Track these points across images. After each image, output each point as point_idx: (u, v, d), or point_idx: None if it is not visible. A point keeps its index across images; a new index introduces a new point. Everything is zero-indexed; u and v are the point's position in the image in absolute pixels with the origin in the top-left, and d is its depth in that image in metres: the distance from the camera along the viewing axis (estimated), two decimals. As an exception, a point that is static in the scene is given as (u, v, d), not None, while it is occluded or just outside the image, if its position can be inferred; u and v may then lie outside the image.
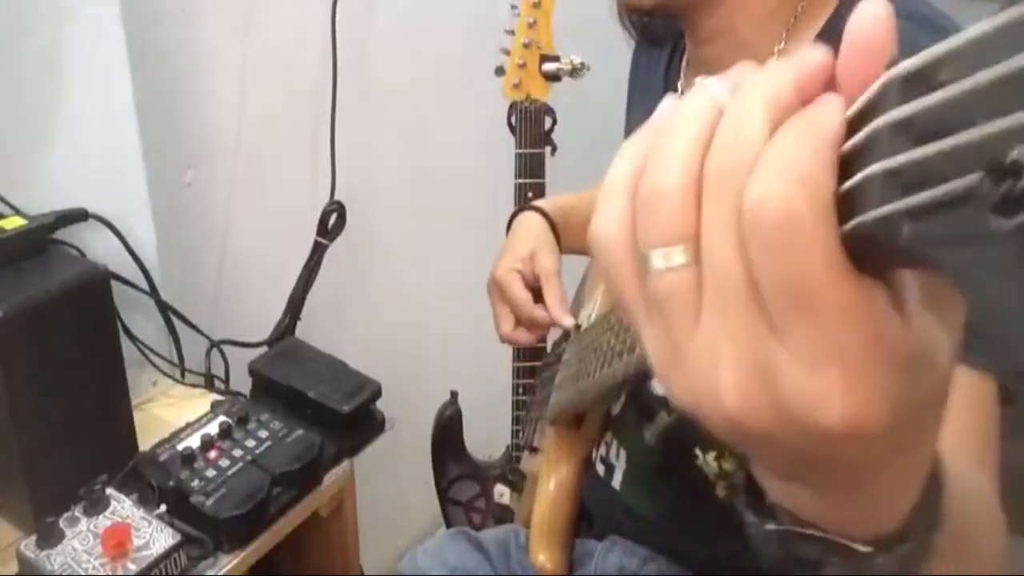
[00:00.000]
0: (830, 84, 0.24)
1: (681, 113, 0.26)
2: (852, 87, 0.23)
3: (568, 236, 0.96)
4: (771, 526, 0.31)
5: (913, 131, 0.21)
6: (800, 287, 0.22)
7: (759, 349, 0.24)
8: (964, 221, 0.19)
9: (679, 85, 0.83)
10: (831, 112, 0.23)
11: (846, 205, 0.23)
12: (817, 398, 0.23)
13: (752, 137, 0.24)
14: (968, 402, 0.51)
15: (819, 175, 0.22)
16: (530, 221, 0.96)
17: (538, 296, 0.91)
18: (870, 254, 0.23)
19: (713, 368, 0.25)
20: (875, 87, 0.22)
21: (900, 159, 0.21)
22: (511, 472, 1.17)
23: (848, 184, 0.23)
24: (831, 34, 0.68)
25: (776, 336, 0.23)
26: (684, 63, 0.83)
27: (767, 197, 0.22)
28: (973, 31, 0.20)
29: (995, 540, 0.44)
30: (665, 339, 0.26)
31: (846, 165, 0.23)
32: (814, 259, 0.22)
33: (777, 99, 0.24)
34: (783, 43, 0.70)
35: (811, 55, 0.24)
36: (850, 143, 0.23)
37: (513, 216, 1.00)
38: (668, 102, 0.29)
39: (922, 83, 0.21)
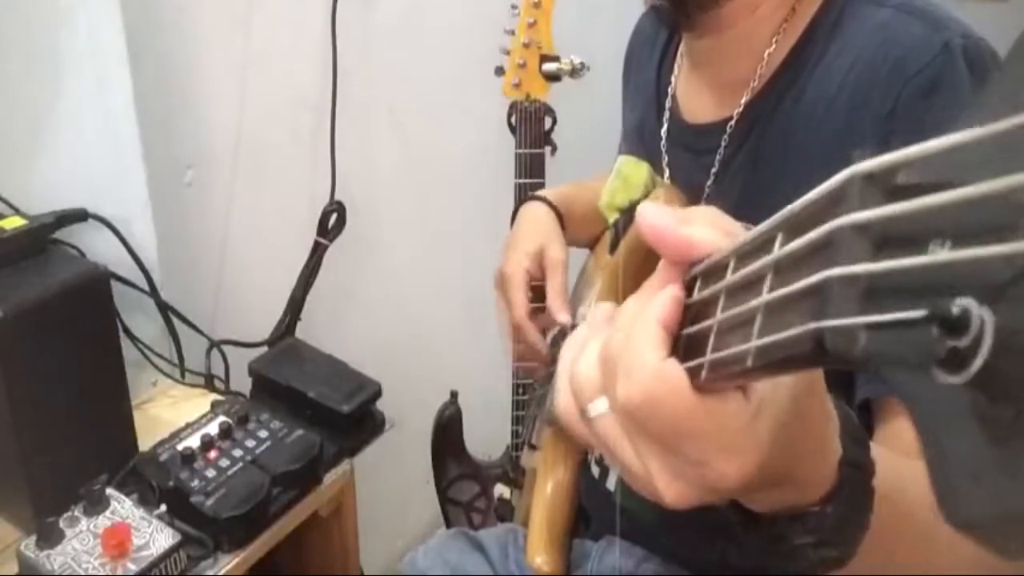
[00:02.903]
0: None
1: (590, 327, 0.40)
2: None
3: (571, 227, 0.96)
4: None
5: (871, 235, 0.22)
6: (667, 430, 0.33)
7: (670, 463, 0.34)
8: (911, 352, 0.20)
9: (672, 78, 0.83)
10: (659, 300, 0.34)
11: (801, 301, 0.24)
12: (718, 477, 0.33)
13: (619, 334, 0.35)
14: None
15: (651, 358, 0.33)
16: (537, 212, 0.95)
17: (542, 292, 0.91)
18: (725, 380, 0.30)
19: (651, 480, 0.35)
20: (835, 181, 0.24)
21: (857, 268, 0.22)
22: (511, 469, 1.17)
23: (805, 283, 0.24)
24: (819, 30, 0.68)
25: (674, 453, 0.34)
26: (678, 58, 0.83)
27: (628, 392, 0.33)
28: (933, 144, 0.20)
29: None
30: (619, 465, 0.37)
31: (800, 260, 0.25)
32: (667, 415, 0.33)
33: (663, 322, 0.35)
34: (779, 36, 0.70)
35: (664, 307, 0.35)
36: (808, 237, 0.24)
37: (517, 207, 0.99)
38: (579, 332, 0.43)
39: (881, 184, 0.22)
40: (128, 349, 0.98)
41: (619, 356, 0.34)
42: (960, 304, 0.18)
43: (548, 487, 0.82)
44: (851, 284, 0.22)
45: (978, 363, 0.18)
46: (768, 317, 0.27)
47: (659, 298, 0.34)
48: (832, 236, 0.23)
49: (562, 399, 0.40)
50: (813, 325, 0.23)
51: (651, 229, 0.35)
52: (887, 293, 0.21)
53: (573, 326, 0.86)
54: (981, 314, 0.18)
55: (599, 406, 0.37)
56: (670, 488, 0.34)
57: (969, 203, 0.19)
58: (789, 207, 0.27)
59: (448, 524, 1.28)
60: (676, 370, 0.32)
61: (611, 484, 0.86)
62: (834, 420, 0.39)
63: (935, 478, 0.20)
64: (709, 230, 0.34)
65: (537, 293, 0.92)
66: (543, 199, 0.96)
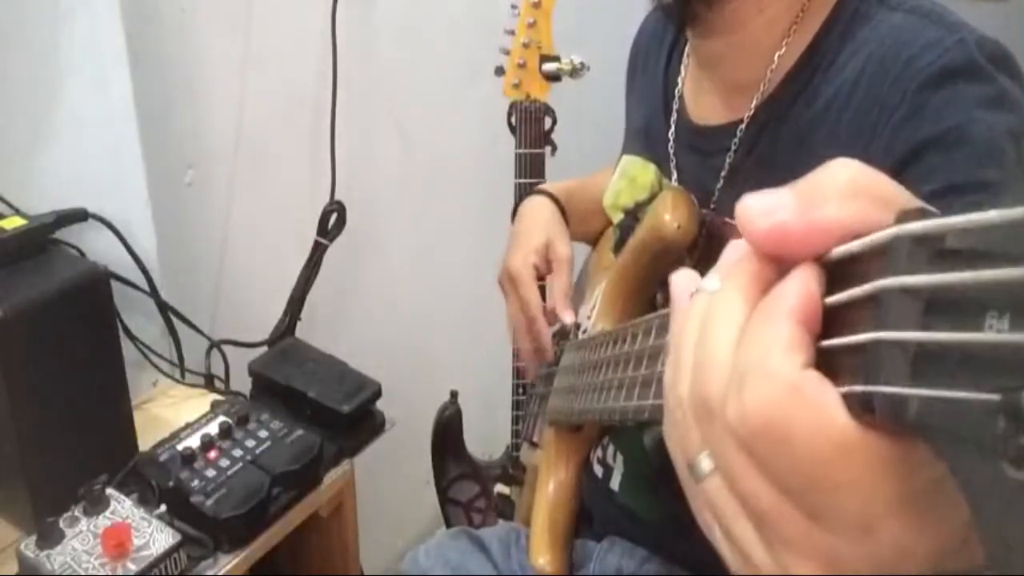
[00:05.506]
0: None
1: (681, 330, 0.29)
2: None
3: (574, 222, 0.96)
4: None
5: (921, 298, 0.21)
6: (816, 473, 0.22)
7: (816, 545, 0.23)
8: (973, 433, 0.19)
9: (679, 80, 0.83)
10: (790, 287, 0.25)
11: (848, 357, 0.23)
12: (898, 554, 0.23)
13: (719, 357, 0.25)
14: None
15: (782, 365, 0.23)
16: (540, 207, 0.95)
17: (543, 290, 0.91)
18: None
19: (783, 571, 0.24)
20: (882, 236, 0.23)
21: (910, 336, 0.21)
22: (512, 465, 1.17)
23: (851, 339, 0.23)
24: (831, 33, 0.68)
25: (822, 524, 0.23)
26: (685, 59, 0.83)
27: (744, 413, 0.23)
28: (989, 215, 0.19)
29: None
30: (732, 545, 0.27)
31: (844, 309, 0.23)
32: (812, 447, 0.22)
33: (740, 312, 0.26)
34: (789, 38, 0.70)
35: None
36: (855, 291, 0.23)
37: (517, 202, 0.99)
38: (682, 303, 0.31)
39: (929, 245, 0.21)
40: (128, 349, 0.98)
41: (722, 375, 0.25)
42: None
43: (550, 487, 0.83)
44: (901, 349, 0.21)
45: None
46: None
47: (788, 284, 0.25)
48: (880, 295, 0.22)
49: (671, 440, 0.30)
50: (860, 388, 0.22)
51: (769, 233, 0.25)
52: (937, 361, 0.20)
53: (577, 325, 0.87)
54: None
55: (704, 463, 0.27)
56: None
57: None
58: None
59: (448, 524, 1.28)
60: (822, 385, 0.23)
61: (614, 484, 0.86)
62: None
63: (986, 541, 0.19)
64: (853, 201, 0.24)
65: (544, 287, 0.92)
66: (546, 193, 0.96)
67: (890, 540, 0.23)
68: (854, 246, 0.24)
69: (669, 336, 0.31)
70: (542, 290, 0.92)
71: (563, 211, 0.94)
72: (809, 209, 0.25)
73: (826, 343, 0.24)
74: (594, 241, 1.02)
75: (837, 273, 0.25)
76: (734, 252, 0.29)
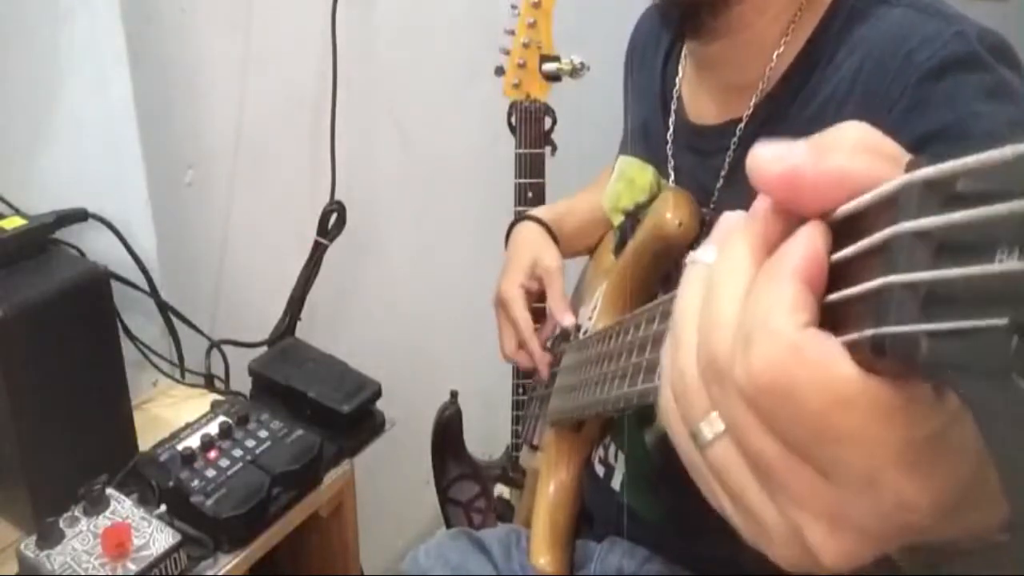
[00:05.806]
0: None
1: (681, 297, 0.29)
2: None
3: (565, 241, 0.97)
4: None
5: (932, 242, 0.21)
6: (819, 425, 0.23)
7: (823, 500, 0.24)
8: (987, 359, 0.19)
9: (677, 79, 0.83)
10: (794, 247, 0.25)
11: (859, 306, 0.23)
12: (898, 504, 0.23)
13: (725, 316, 0.26)
14: None
15: (784, 325, 0.23)
16: (527, 230, 0.97)
17: (543, 300, 0.92)
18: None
19: (797, 536, 0.25)
20: (891, 186, 0.23)
21: (921, 275, 0.21)
22: (512, 469, 1.17)
23: (863, 288, 0.23)
24: (829, 30, 0.68)
25: (829, 480, 0.24)
26: (682, 59, 0.83)
27: (750, 373, 0.24)
28: (1002, 152, 0.20)
29: None
30: (743, 511, 0.27)
31: (854, 261, 0.24)
32: (815, 401, 0.23)
33: (746, 272, 0.26)
34: (788, 36, 0.70)
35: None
36: (865, 242, 0.23)
37: (510, 229, 1.00)
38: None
39: (940, 190, 0.21)
40: (128, 349, 0.98)
41: (733, 334, 0.25)
42: None
43: (551, 488, 0.83)
44: (912, 290, 0.21)
45: None
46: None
47: (792, 244, 0.25)
48: (890, 242, 0.22)
49: (669, 415, 0.30)
50: (870, 333, 0.22)
51: (782, 177, 0.25)
52: (948, 299, 0.20)
53: (578, 327, 0.87)
54: None
55: (712, 426, 0.27)
56: (828, 542, 0.24)
57: None
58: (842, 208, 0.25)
59: (448, 524, 1.28)
60: (823, 341, 0.23)
61: (616, 483, 0.86)
62: None
63: (1006, 479, 0.19)
64: (862, 156, 0.25)
65: (535, 314, 0.93)
66: (533, 218, 0.98)
67: (892, 493, 0.23)
68: (864, 199, 0.24)
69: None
70: (540, 312, 0.93)
71: (551, 231, 0.96)
72: (821, 158, 0.25)
73: (835, 295, 0.24)
74: (593, 250, 1.02)
75: (844, 231, 0.25)
76: (727, 222, 0.30)
